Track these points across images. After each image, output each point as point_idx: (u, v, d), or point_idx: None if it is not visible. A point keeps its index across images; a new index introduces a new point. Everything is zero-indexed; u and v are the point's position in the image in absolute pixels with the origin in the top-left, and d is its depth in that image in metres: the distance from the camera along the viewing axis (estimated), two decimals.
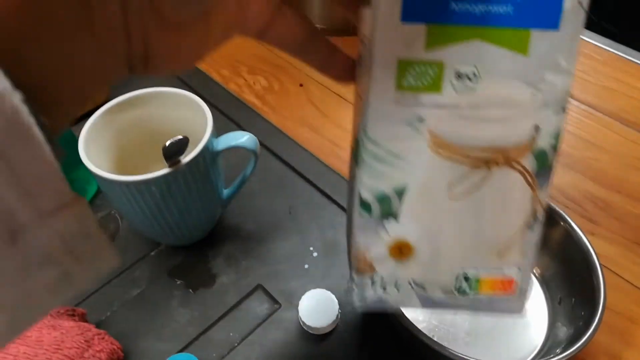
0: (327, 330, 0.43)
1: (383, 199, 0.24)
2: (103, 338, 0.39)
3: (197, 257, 0.48)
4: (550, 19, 0.21)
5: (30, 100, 0.13)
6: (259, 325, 0.43)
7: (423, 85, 0.22)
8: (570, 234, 0.42)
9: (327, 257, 0.48)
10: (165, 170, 0.39)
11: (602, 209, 0.52)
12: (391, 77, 0.21)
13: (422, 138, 0.23)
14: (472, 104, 0.22)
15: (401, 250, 0.26)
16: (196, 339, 0.43)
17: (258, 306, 0.45)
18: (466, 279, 0.26)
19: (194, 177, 0.41)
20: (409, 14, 0.20)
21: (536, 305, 0.44)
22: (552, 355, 0.35)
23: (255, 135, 0.44)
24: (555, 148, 0.24)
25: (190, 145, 0.39)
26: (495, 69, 0.21)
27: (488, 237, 0.26)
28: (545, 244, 0.45)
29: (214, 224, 0.49)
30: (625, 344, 0.43)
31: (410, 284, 0.27)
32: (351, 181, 0.27)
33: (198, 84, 0.64)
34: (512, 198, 0.25)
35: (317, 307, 0.43)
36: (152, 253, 0.48)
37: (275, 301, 0.45)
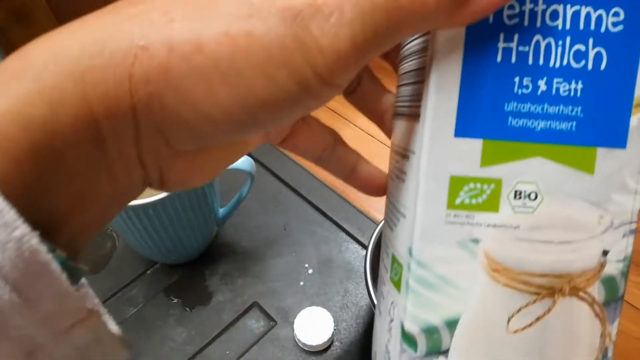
0: (323, 347, 0.43)
1: (431, 333, 0.21)
2: None
3: (193, 276, 0.48)
4: (616, 137, 0.19)
5: (48, 234, 0.14)
6: (255, 343, 0.44)
7: (478, 203, 0.20)
8: None
9: (322, 274, 0.48)
10: (163, 194, 0.39)
11: None
12: (442, 195, 0.20)
13: (477, 261, 0.20)
14: (533, 225, 0.20)
15: None
16: (193, 357, 0.43)
17: (254, 324, 0.45)
18: None
19: (190, 199, 0.41)
20: (464, 129, 0.19)
21: None
22: None
23: (251, 152, 0.45)
24: (624, 275, 0.21)
25: None
26: (558, 188, 0.20)
27: None
28: None
29: (210, 242, 0.49)
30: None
31: None
32: (380, 287, 0.24)
33: None
34: (579, 333, 0.22)
35: (312, 325, 0.43)
36: (149, 271, 0.49)
37: (271, 318, 0.45)
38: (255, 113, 0.15)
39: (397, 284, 0.22)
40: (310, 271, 0.48)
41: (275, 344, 0.44)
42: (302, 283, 0.48)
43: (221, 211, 0.48)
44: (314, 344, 0.42)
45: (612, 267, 0.21)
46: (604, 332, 0.22)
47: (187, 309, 0.46)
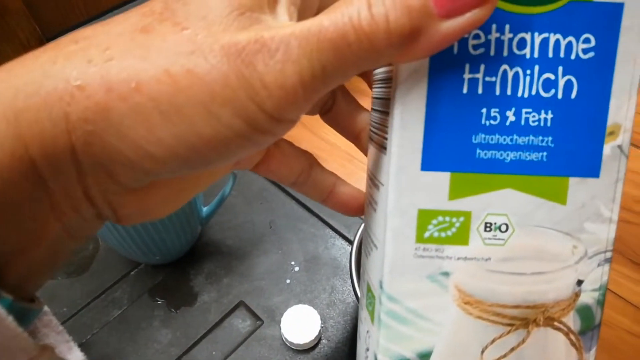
0: (310, 346, 0.43)
1: None
2: None
3: (178, 276, 0.48)
4: (589, 166, 0.19)
5: None
6: (241, 342, 0.43)
7: (447, 237, 0.20)
8: None
9: (309, 271, 0.48)
10: None
11: None
12: (411, 229, 0.19)
13: (449, 294, 0.20)
14: (504, 257, 0.20)
15: None
16: (179, 358, 0.42)
17: (240, 323, 0.45)
18: None
19: None
20: (430, 162, 0.19)
21: None
22: None
23: None
24: (601, 303, 0.21)
25: None
26: (529, 220, 0.20)
27: None
28: None
29: (194, 242, 0.49)
30: (602, 350, 0.44)
31: None
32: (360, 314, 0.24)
33: None
34: None
35: (299, 323, 0.43)
36: (132, 273, 0.48)
37: (257, 318, 0.45)
38: (201, 151, 0.15)
39: (371, 315, 0.22)
40: (296, 269, 0.48)
41: (262, 344, 0.43)
42: (288, 281, 0.47)
43: (205, 210, 0.47)
44: (301, 342, 0.42)
45: (588, 296, 0.21)
46: None
47: (172, 309, 0.45)
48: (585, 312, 0.21)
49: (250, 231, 0.51)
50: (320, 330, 0.43)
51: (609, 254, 0.21)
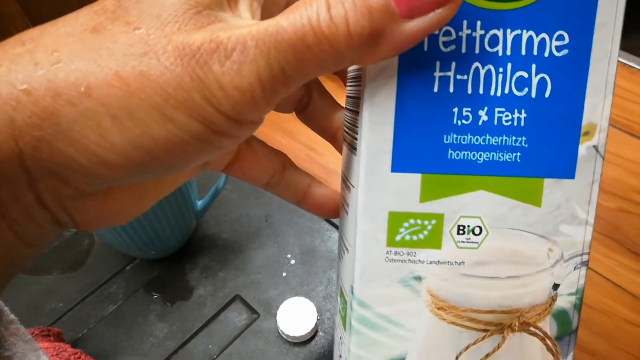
0: (307, 338, 0.43)
1: None
2: (79, 357, 0.39)
3: (174, 270, 0.47)
4: (564, 167, 0.19)
5: None
6: (237, 336, 0.43)
7: (419, 240, 0.19)
8: None
9: (305, 264, 0.48)
10: None
11: None
12: (382, 232, 0.19)
13: (421, 300, 0.20)
14: (478, 260, 0.19)
15: None
16: (175, 352, 0.42)
17: (236, 317, 0.45)
18: None
19: None
20: (401, 164, 0.18)
21: None
22: None
23: None
24: (577, 308, 0.21)
25: None
26: (503, 222, 0.19)
27: None
28: None
29: (189, 235, 0.49)
30: (599, 337, 0.44)
31: None
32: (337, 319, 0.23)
33: None
34: None
35: (295, 316, 0.43)
36: (128, 268, 0.48)
37: (253, 311, 0.45)
38: (157, 155, 0.14)
39: (344, 320, 0.21)
40: (292, 262, 0.48)
41: (259, 337, 0.43)
42: (284, 274, 0.47)
43: (199, 203, 0.47)
44: (298, 334, 0.42)
45: (564, 301, 0.20)
46: None
47: (168, 304, 0.45)
48: (561, 317, 0.21)
49: (246, 225, 0.50)
50: (316, 323, 0.43)
51: (585, 257, 0.20)
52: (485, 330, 0.20)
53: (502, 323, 0.20)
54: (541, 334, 0.21)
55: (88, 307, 0.45)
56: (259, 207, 0.52)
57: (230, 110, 0.14)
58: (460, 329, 0.20)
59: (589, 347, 0.44)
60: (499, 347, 0.21)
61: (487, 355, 0.21)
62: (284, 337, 0.43)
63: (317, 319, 0.43)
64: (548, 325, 0.21)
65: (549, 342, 0.21)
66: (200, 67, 0.14)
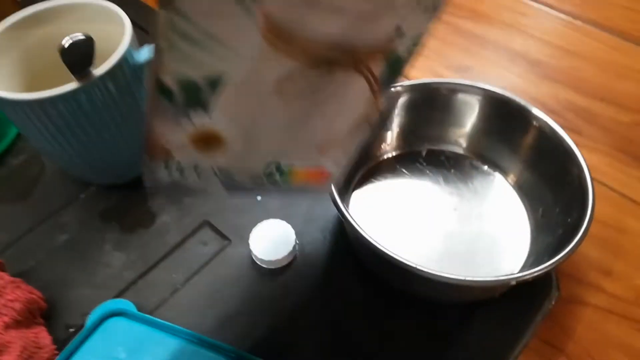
0: (283, 264, 0.38)
1: (190, 88, 0.19)
2: (18, 287, 0.34)
3: (134, 197, 0.42)
4: None
5: None
6: (206, 263, 0.38)
7: None
8: (548, 137, 0.37)
9: None
10: (72, 85, 0.32)
11: (585, 118, 0.47)
12: None
13: (253, 21, 0.18)
14: None
15: (207, 141, 0.22)
16: (133, 283, 0.37)
17: (204, 244, 0.39)
18: (279, 170, 0.24)
19: (112, 95, 0.34)
20: None
21: (517, 219, 0.39)
22: (539, 266, 0.31)
23: None
24: (412, 53, 0.20)
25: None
26: None
27: (311, 135, 0.22)
28: (520, 149, 0.40)
29: None
30: (614, 256, 0.39)
31: (213, 170, 0.23)
32: (154, 53, 0.21)
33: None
34: (348, 102, 0.21)
35: (271, 239, 0.38)
36: (82, 195, 0.42)
37: (224, 237, 0.40)
38: None
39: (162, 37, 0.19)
40: None
41: (230, 264, 0.38)
42: (259, 197, 0.41)
43: None
44: (273, 259, 0.37)
45: (403, 46, 0.20)
46: (374, 102, 0.21)
47: (127, 232, 0.40)
48: (395, 62, 0.20)
49: None
50: (295, 247, 0.37)
51: (438, 1, 0.19)
52: (316, 66, 0.19)
53: (333, 58, 0.19)
54: (369, 74, 0.20)
55: (36, 238, 0.40)
56: None
57: None
58: (288, 58, 0.19)
59: (604, 267, 0.39)
60: (323, 79, 0.20)
61: (310, 88, 0.20)
62: (259, 262, 0.37)
63: (296, 243, 0.38)
64: (379, 68, 0.20)
65: (373, 83, 0.21)
66: None
